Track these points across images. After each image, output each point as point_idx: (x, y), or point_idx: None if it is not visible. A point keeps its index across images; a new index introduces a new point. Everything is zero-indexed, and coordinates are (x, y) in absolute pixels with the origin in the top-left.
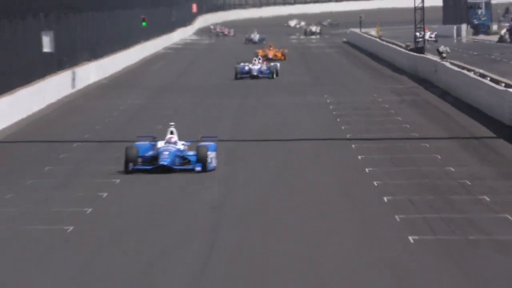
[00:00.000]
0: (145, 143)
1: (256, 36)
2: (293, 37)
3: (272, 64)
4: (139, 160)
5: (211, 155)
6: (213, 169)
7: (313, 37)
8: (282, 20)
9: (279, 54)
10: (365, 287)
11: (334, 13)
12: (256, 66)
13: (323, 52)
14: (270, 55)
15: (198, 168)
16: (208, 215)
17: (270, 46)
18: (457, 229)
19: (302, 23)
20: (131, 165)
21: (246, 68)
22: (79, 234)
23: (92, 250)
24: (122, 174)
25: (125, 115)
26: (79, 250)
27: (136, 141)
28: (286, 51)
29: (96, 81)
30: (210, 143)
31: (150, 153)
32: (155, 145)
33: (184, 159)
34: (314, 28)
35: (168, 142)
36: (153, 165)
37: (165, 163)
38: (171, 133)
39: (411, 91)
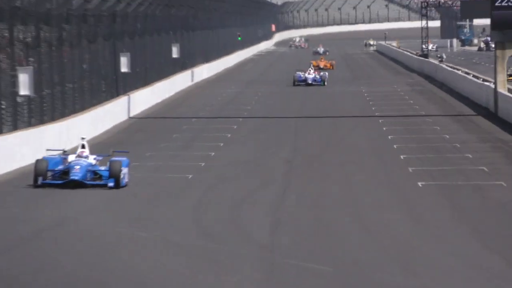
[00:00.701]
0: (55, 157)
1: (321, 49)
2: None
3: (322, 73)
4: (49, 174)
5: (124, 170)
6: (125, 185)
7: (371, 48)
8: (336, 36)
9: (328, 65)
10: (388, 214)
11: (367, 31)
12: (311, 75)
13: (360, 57)
14: (322, 65)
15: (111, 184)
16: (283, 166)
17: (322, 58)
18: (450, 177)
19: (303, 39)
20: (40, 179)
21: (302, 76)
22: (196, 179)
23: (204, 190)
24: (225, 140)
25: (226, 99)
26: (195, 190)
27: (46, 154)
28: (334, 62)
29: (207, 77)
30: (123, 158)
31: (61, 167)
32: (65, 159)
33: (96, 174)
34: (371, 42)
35: (79, 156)
36: (63, 179)
37: (76, 177)
38: (83, 146)
39: (419, 83)
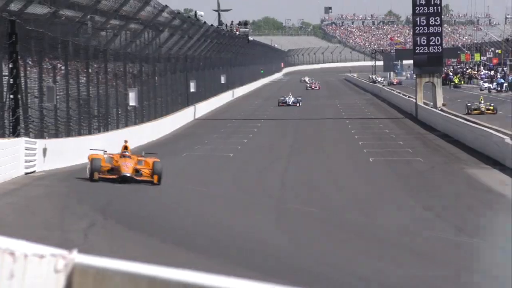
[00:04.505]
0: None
1: (290, 99)
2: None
3: None
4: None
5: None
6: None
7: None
8: (320, 69)
9: (142, 168)
10: (351, 178)
11: (338, 67)
12: None
13: (334, 82)
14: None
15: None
16: (287, 149)
17: (125, 146)
18: (390, 154)
19: (308, 78)
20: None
21: None
22: (235, 157)
23: (241, 163)
24: (253, 133)
25: (253, 108)
26: (235, 163)
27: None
28: (157, 160)
29: (242, 95)
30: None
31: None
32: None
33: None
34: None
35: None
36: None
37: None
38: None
39: (370, 99)
